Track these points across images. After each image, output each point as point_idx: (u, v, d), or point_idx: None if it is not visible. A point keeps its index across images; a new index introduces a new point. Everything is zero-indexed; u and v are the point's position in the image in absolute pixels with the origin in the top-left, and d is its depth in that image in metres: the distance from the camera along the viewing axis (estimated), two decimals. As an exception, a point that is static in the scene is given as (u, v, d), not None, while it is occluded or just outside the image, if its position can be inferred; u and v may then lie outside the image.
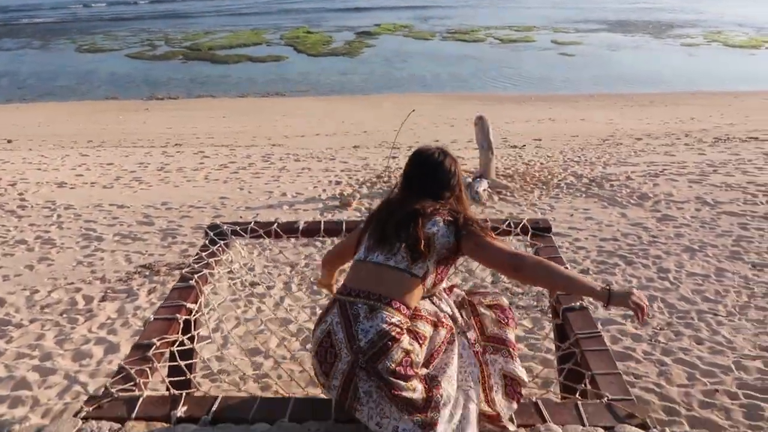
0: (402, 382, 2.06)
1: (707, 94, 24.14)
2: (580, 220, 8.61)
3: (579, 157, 12.61)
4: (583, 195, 9.69)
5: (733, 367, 4.95)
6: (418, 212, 2.39)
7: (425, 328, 2.27)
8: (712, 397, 4.51)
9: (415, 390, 2.07)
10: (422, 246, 2.27)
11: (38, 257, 7.72)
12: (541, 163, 11.98)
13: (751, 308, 5.98)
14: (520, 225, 3.76)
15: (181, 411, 2.17)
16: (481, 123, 9.98)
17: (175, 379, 2.73)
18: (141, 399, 2.26)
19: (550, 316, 3.35)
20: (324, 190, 10.17)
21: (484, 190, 9.63)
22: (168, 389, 2.53)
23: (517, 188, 10.05)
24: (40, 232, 8.57)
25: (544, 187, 10.15)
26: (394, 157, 12.30)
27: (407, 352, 2.12)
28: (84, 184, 11.09)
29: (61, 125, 19.83)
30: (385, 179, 10.75)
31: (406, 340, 2.16)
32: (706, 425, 4.19)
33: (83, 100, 25.74)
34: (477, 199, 9.02)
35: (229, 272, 3.80)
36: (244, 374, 4.22)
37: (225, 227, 3.80)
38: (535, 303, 5.99)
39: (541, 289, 5.35)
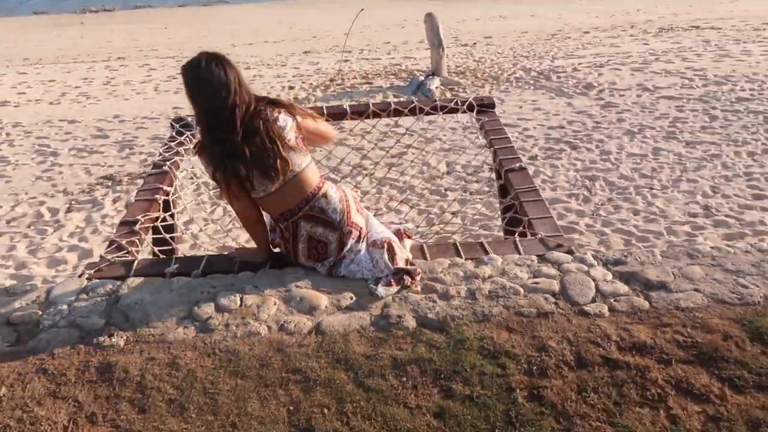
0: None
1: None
2: (528, 111, 8.91)
3: (528, 52, 12.77)
4: (532, 87, 9.96)
5: (664, 232, 5.43)
6: (266, 126, 2.32)
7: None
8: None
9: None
10: (283, 155, 2.30)
11: (-6, 175, 7.65)
12: (492, 60, 12.13)
13: (683, 181, 6.45)
14: (467, 102, 4.04)
15: (173, 268, 2.45)
16: (430, 20, 10.00)
17: (163, 248, 3.01)
18: (136, 261, 2.52)
19: (494, 177, 3.70)
20: (278, 96, 10.17)
21: (437, 87, 9.78)
22: (156, 255, 2.80)
23: (469, 84, 10.23)
24: (-8, 151, 8.42)
25: (495, 81, 10.36)
26: (345, 60, 12.25)
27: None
28: (28, 101, 10.78)
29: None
30: (338, 82, 10.78)
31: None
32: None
33: (9, 16, 24.25)
34: (430, 96, 9.19)
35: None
36: (224, 245, 4.40)
37: (190, 119, 3.95)
38: (487, 189, 6.38)
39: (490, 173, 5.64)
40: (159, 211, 3.03)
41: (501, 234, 4.33)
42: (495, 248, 2.54)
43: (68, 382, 1.91)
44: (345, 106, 4.16)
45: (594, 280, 2.30)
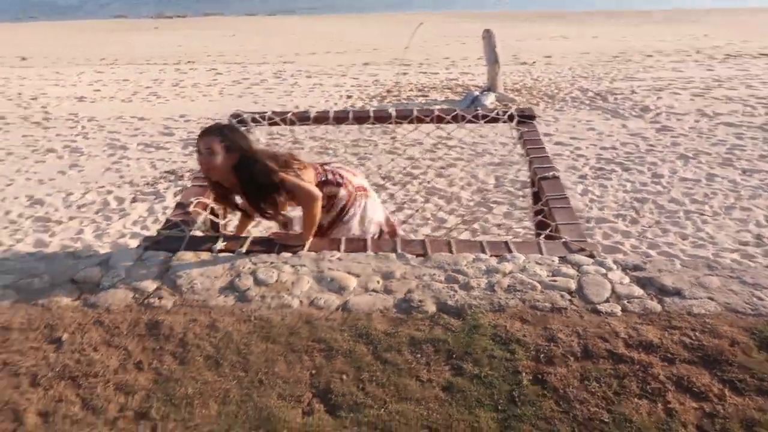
0: None
1: (724, 10, 23.67)
2: (582, 130, 8.91)
3: (587, 72, 12.74)
4: (587, 107, 9.95)
5: (711, 257, 5.38)
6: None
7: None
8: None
9: None
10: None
11: (68, 164, 8.20)
12: (549, 79, 12.15)
13: (736, 209, 6.35)
14: (508, 113, 4.17)
15: (220, 245, 2.69)
16: (488, 36, 10.14)
17: (213, 230, 3.28)
18: (187, 237, 2.78)
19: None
20: (335, 104, 10.49)
21: (491, 102, 9.90)
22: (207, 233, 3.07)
23: (524, 101, 10.30)
24: (67, 142, 9.01)
25: (550, 100, 10.40)
26: (404, 73, 12.51)
27: None
28: (103, 98, 11.46)
29: (72, 44, 19.98)
30: (395, 94, 11.03)
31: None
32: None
33: (91, 18, 25.69)
34: (483, 111, 9.32)
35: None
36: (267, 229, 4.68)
37: (245, 115, 4.23)
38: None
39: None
40: (210, 196, 3.29)
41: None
42: (519, 248, 2.68)
43: (120, 333, 2.15)
44: (390, 110, 4.36)
45: (611, 282, 2.40)
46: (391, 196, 6.53)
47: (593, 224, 6.15)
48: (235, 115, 4.33)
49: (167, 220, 3.01)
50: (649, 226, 6.08)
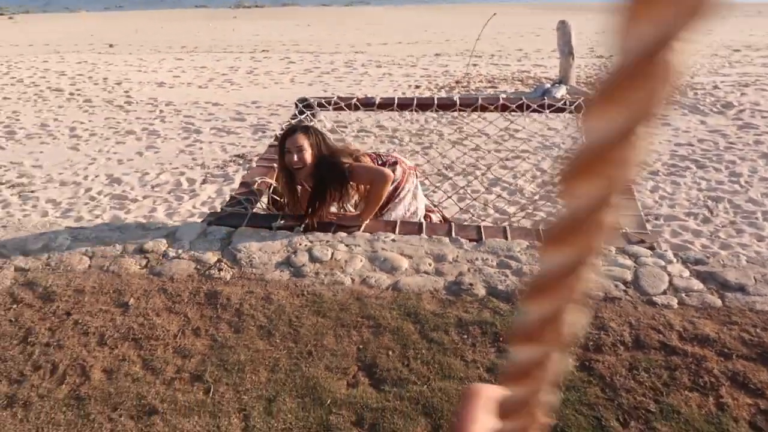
0: None
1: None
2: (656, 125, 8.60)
3: (666, 66, 12.27)
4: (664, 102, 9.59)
5: (788, 260, 5.10)
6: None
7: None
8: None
9: None
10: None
11: (146, 145, 8.59)
12: (625, 72, 11.77)
13: (819, 211, 5.99)
14: (575, 104, 4.08)
15: (279, 223, 2.78)
16: (562, 27, 9.91)
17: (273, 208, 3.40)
18: (249, 214, 2.88)
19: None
20: (403, 93, 10.52)
21: (562, 96, 9.68)
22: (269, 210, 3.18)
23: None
24: (146, 125, 9.44)
25: (624, 94, 10.07)
26: (474, 65, 12.39)
27: None
28: (181, 84, 11.92)
29: (155, 32, 20.83)
30: (464, 84, 10.95)
31: None
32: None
33: (174, 8, 26.69)
34: (553, 103, 9.13)
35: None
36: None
37: (312, 100, 4.33)
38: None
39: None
40: (273, 177, 3.40)
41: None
42: (575, 236, 2.63)
43: (182, 301, 2.27)
44: (454, 97, 4.35)
45: (669, 275, 2.33)
46: (454, 186, 6.52)
47: (662, 221, 5.94)
48: (302, 99, 4.44)
49: (231, 197, 3.13)
50: (723, 226, 5.81)
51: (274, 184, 3.37)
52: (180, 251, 2.57)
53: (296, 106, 4.42)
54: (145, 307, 2.24)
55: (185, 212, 6.51)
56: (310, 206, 2.93)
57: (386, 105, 4.36)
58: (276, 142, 3.92)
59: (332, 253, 2.53)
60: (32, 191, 6.94)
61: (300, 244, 2.60)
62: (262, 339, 2.08)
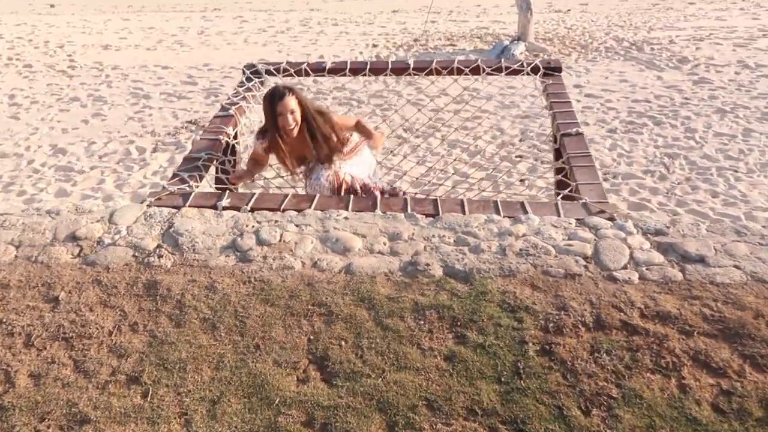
0: None
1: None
2: (614, 82, 8.58)
3: (624, 21, 12.22)
4: (622, 58, 9.55)
5: (743, 217, 5.15)
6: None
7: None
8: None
9: None
10: None
11: (92, 113, 8.20)
12: (584, 27, 11.68)
13: (774, 166, 6.07)
14: (532, 65, 3.96)
15: (225, 202, 2.61)
16: (520, -18, 9.72)
17: (220, 186, 3.21)
18: (193, 193, 2.70)
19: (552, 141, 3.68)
20: (361, 53, 10.24)
21: (521, 52, 9.56)
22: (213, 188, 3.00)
23: (555, 51, 9.92)
24: (91, 91, 9.00)
25: (583, 50, 10.00)
26: (433, 22, 12.12)
27: None
28: (128, 46, 11.39)
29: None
30: (422, 43, 10.72)
31: None
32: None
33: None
34: (512, 61, 9.02)
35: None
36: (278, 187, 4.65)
37: (260, 66, 4.10)
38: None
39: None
40: (220, 151, 3.21)
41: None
42: (535, 209, 2.54)
43: (118, 293, 2.11)
44: (408, 61, 4.18)
45: (629, 247, 2.27)
46: (414, 148, 6.39)
47: (620, 180, 5.95)
48: (249, 66, 4.20)
49: (174, 174, 2.94)
50: (679, 183, 5.85)
51: (218, 161, 3.18)
52: (116, 237, 2.40)
53: (243, 72, 4.19)
54: (78, 301, 2.08)
55: (136, 183, 6.26)
56: (326, 151, 3.16)
57: (338, 70, 4.16)
58: (223, 112, 3.71)
59: (281, 235, 2.39)
60: (-33, 166, 6.56)
61: (247, 226, 2.44)
62: (206, 333, 1.95)
